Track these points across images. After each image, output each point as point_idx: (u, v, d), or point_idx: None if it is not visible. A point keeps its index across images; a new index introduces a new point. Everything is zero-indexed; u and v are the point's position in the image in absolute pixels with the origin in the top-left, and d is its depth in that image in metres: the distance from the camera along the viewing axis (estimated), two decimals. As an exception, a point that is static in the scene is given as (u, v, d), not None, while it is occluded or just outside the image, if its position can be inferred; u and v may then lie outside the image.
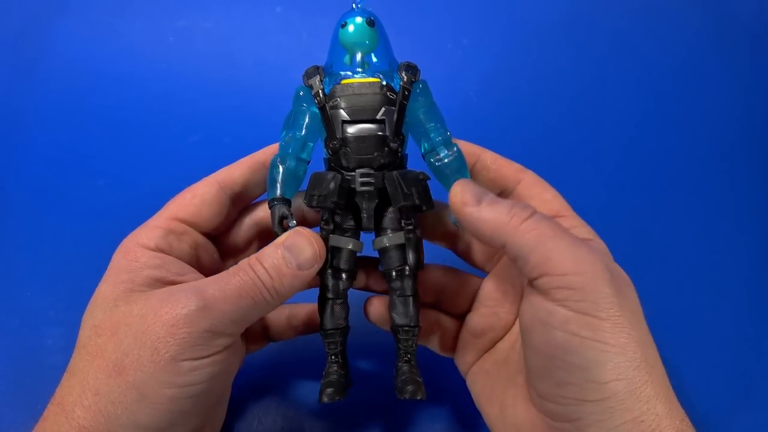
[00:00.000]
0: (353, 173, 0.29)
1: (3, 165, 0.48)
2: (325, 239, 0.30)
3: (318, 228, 0.31)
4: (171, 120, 0.50)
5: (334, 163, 0.30)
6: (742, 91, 0.53)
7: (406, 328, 0.31)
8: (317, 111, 0.30)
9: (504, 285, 0.32)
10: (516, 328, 0.32)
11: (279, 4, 0.54)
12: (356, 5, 0.31)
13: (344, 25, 0.30)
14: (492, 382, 0.32)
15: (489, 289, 0.33)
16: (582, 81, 0.53)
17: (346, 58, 0.30)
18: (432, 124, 0.31)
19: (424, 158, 0.31)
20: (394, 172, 0.29)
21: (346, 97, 0.29)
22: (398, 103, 0.29)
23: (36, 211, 0.47)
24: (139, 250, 0.29)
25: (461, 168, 0.30)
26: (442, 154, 0.30)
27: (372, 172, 0.29)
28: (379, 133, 0.29)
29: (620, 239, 0.48)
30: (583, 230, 0.30)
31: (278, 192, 0.30)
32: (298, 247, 0.27)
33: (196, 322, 0.25)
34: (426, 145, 0.31)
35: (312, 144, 0.31)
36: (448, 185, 0.30)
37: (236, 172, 0.32)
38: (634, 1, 0.56)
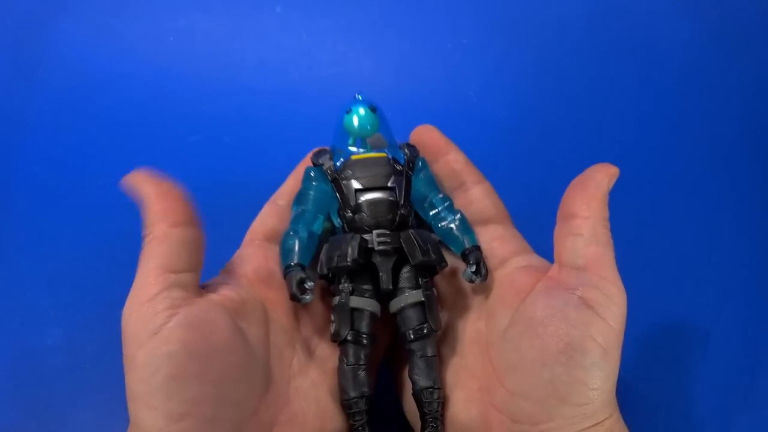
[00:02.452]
0: (370, 234, 0.30)
1: (3, 165, 0.48)
2: (345, 303, 0.30)
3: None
4: (171, 120, 0.50)
5: (349, 229, 0.31)
6: (742, 91, 0.53)
7: (431, 390, 0.30)
8: (327, 188, 0.32)
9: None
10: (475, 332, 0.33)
11: (279, 4, 0.54)
12: (359, 96, 0.34)
13: (349, 112, 0.33)
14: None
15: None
16: (582, 81, 0.53)
17: (350, 141, 0.33)
18: (435, 194, 0.33)
19: (430, 226, 0.33)
20: (410, 231, 0.31)
21: (357, 169, 0.32)
22: (405, 173, 0.32)
23: (36, 211, 0.47)
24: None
25: (468, 229, 0.32)
26: (448, 219, 0.32)
27: (388, 232, 0.30)
28: (391, 199, 0.31)
29: (620, 239, 0.48)
30: (513, 241, 0.33)
31: (294, 259, 0.30)
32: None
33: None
34: (431, 213, 0.33)
35: (322, 218, 0.32)
36: (457, 246, 0.32)
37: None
38: (635, 0, 0.56)
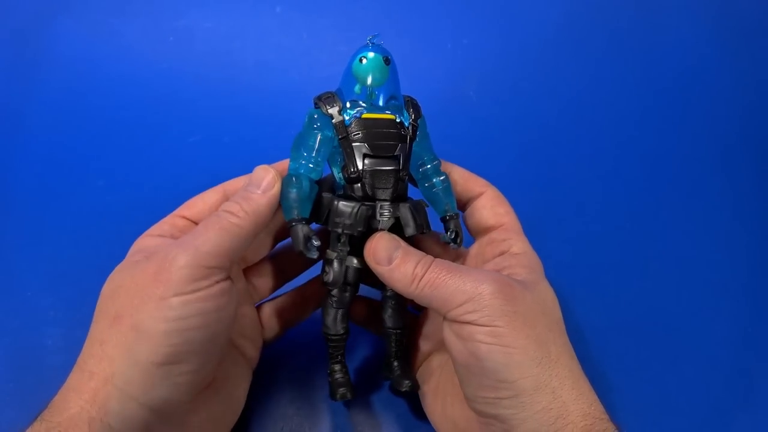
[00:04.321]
0: (371, 203, 0.32)
1: (3, 165, 0.49)
2: (342, 259, 0.33)
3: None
4: (171, 120, 0.51)
5: (350, 191, 0.32)
6: (742, 91, 0.53)
7: (399, 331, 0.36)
8: (331, 135, 0.32)
9: None
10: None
11: (279, 4, 0.54)
12: (371, 41, 0.33)
13: (362, 61, 0.32)
14: (436, 382, 0.36)
15: None
16: (581, 80, 0.53)
17: (357, 88, 0.32)
18: (427, 156, 0.34)
19: (416, 184, 0.35)
20: (408, 204, 0.32)
21: (367, 132, 0.32)
22: (408, 139, 0.33)
23: (36, 211, 0.47)
24: (145, 238, 0.32)
25: (449, 193, 0.34)
26: (434, 180, 0.34)
27: (389, 203, 0.32)
28: (394, 168, 0.32)
29: (620, 239, 0.49)
30: (517, 243, 0.34)
31: (296, 212, 0.31)
32: (258, 177, 0.31)
33: (177, 263, 0.27)
34: (420, 172, 0.35)
35: (322, 166, 0.32)
36: (439, 208, 0.34)
37: (241, 182, 0.34)
38: (634, 0, 0.56)
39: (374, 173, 0.32)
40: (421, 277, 0.30)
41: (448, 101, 0.52)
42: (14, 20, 0.52)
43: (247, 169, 0.47)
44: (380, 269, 0.31)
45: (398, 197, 0.33)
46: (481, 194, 0.36)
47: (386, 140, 0.32)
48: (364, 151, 0.32)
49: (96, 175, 0.49)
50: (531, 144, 0.51)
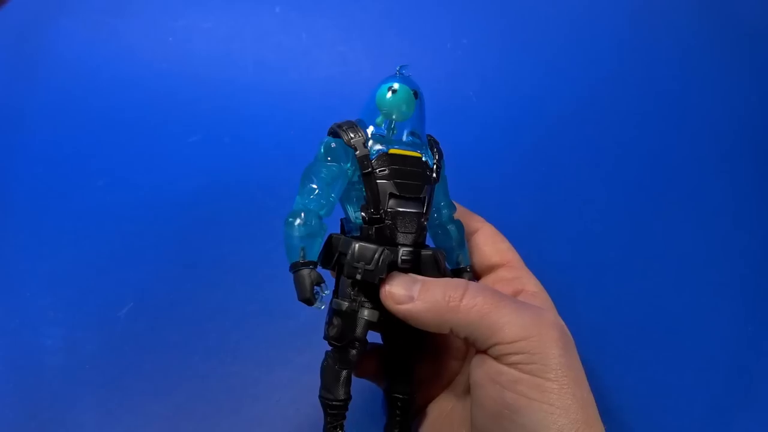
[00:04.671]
0: (393, 248, 0.29)
1: (3, 165, 0.48)
2: (355, 312, 0.29)
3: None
4: (170, 120, 0.50)
5: (373, 233, 0.29)
6: (744, 92, 0.53)
7: (406, 397, 0.32)
8: (348, 168, 0.29)
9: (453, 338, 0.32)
10: (461, 381, 0.33)
11: (278, 4, 0.53)
12: (400, 71, 0.31)
13: (393, 92, 0.29)
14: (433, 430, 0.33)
15: (437, 338, 0.34)
16: (583, 81, 0.52)
17: (379, 120, 0.30)
18: (444, 201, 0.32)
19: (429, 227, 0.32)
20: (430, 253, 0.30)
21: (394, 169, 0.29)
22: (432, 181, 0.31)
23: (36, 211, 0.47)
24: None
25: (462, 243, 0.33)
26: (449, 228, 0.32)
27: (412, 250, 0.29)
28: (418, 211, 0.30)
29: (620, 239, 0.49)
30: (530, 281, 0.32)
31: (302, 255, 0.28)
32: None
33: None
34: (434, 217, 0.32)
35: (335, 202, 0.29)
36: (451, 259, 0.32)
37: None
38: (635, 1, 0.55)
39: (398, 215, 0.29)
40: (461, 299, 0.27)
41: (447, 102, 0.51)
42: (14, 20, 0.52)
43: (247, 169, 0.50)
44: (403, 309, 0.28)
45: (419, 243, 0.30)
46: (477, 230, 0.34)
47: (413, 180, 0.29)
48: (390, 190, 0.29)
49: (96, 175, 0.48)
50: (532, 145, 0.50)
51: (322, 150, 0.29)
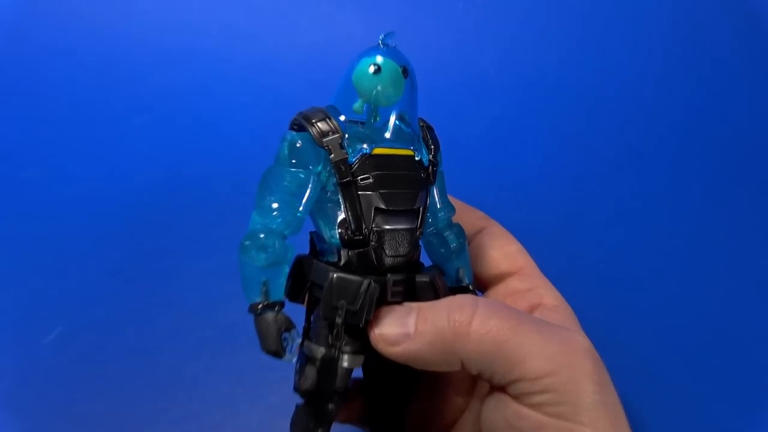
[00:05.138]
0: (381, 277, 0.26)
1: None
2: (335, 360, 0.26)
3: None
4: (112, 96, 0.47)
5: (354, 258, 0.26)
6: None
7: None
8: (320, 174, 0.26)
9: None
10: (467, 421, 0.31)
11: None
12: (383, 42, 0.27)
13: (376, 68, 0.26)
14: None
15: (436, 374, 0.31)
16: (618, 51, 0.49)
17: (357, 105, 0.27)
18: (441, 202, 0.30)
19: (422, 235, 0.29)
20: (426, 280, 0.27)
21: (380, 176, 0.26)
22: (428, 183, 0.28)
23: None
24: None
25: (463, 253, 0.30)
26: (446, 235, 0.29)
27: (404, 278, 0.26)
28: (411, 227, 0.27)
29: (669, 242, 0.47)
30: (548, 293, 0.30)
31: (263, 290, 0.24)
32: None
33: None
34: (429, 222, 0.29)
35: (305, 218, 0.26)
36: (450, 274, 0.30)
37: None
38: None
39: (386, 234, 0.26)
40: (469, 323, 0.24)
41: (459, 76, 0.48)
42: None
43: (208, 158, 0.46)
44: (399, 351, 0.25)
45: (412, 265, 0.27)
46: (480, 231, 0.32)
47: (405, 187, 0.26)
48: (376, 203, 0.26)
49: (18, 165, 0.45)
50: (559, 127, 0.47)
51: (285, 150, 0.26)
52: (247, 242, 0.24)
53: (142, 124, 0.46)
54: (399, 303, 0.26)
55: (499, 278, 0.31)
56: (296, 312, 0.26)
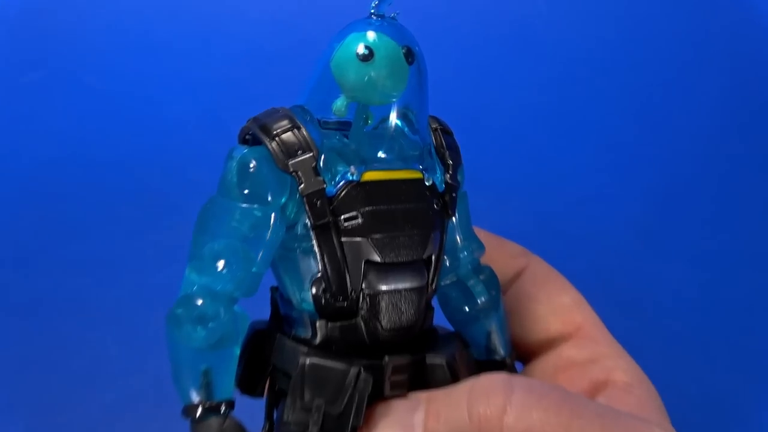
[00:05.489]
0: (378, 361, 0.21)
1: None
2: None
3: None
4: None
5: (337, 333, 0.21)
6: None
7: None
8: (283, 205, 0.20)
9: None
10: None
11: None
12: (376, 12, 0.21)
13: (361, 52, 0.20)
14: None
15: None
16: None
17: (339, 104, 0.20)
18: (463, 239, 0.24)
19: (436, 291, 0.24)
20: (441, 363, 0.21)
21: (376, 216, 0.20)
22: (444, 217, 0.23)
23: None
24: None
25: (497, 303, 0.24)
26: (472, 284, 0.23)
27: (409, 361, 0.21)
28: (420, 285, 0.21)
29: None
30: (619, 364, 0.24)
31: (203, 383, 0.19)
32: None
33: None
34: (447, 268, 0.23)
35: (264, 272, 0.21)
36: (479, 341, 0.24)
37: None
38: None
39: (382, 299, 0.20)
40: (501, 417, 0.19)
41: (502, 12, 0.41)
42: None
43: (133, 130, 0.41)
44: None
45: (421, 339, 0.22)
46: (520, 273, 0.27)
47: (409, 228, 0.21)
48: (367, 254, 0.20)
49: None
50: (623, 78, 0.41)
51: (232, 175, 0.20)
52: (179, 311, 0.19)
53: (33, 81, 0.40)
54: (401, 396, 0.22)
55: (549, 345, 0.26)
56: (254, 407, 0.22)
